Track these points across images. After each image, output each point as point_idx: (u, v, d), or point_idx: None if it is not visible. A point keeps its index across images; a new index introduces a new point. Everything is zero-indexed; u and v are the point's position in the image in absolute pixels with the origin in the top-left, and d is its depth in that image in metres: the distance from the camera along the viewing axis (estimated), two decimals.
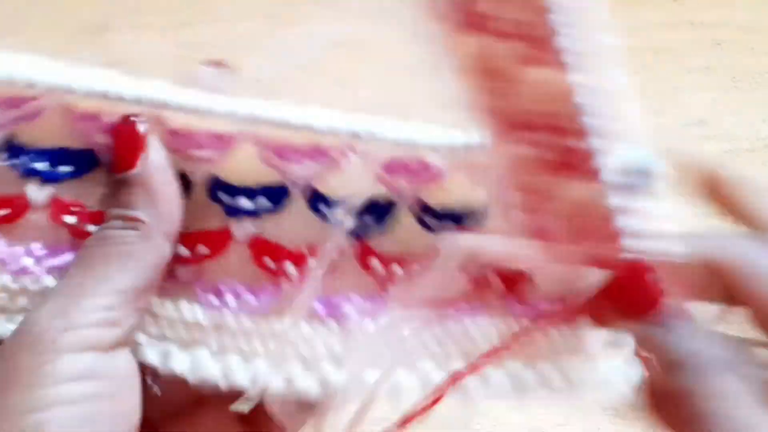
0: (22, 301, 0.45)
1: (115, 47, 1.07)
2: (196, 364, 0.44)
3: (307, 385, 0.44)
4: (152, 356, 0.44)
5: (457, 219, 0.46)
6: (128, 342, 0.43)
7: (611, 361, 0.44)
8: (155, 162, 0.44)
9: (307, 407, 0.44)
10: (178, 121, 0.45)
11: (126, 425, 0.42)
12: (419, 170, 0.45)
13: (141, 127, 0.44)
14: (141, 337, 0.44)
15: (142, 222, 0.43)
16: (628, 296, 0.39)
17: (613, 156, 0.40)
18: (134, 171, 0.44)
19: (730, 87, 1.10)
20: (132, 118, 0.44)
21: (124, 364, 0.42)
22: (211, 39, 1.10)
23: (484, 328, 0.45)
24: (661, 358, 0.40)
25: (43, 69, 0.44)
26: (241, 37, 1.14)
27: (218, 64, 0.48)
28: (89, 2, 1.15)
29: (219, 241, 0.46)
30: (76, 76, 0.44)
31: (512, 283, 0.45)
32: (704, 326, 0.39)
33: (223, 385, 0.44)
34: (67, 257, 0.45)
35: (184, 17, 1.17)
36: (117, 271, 0.42)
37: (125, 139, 0.44)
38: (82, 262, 0.43)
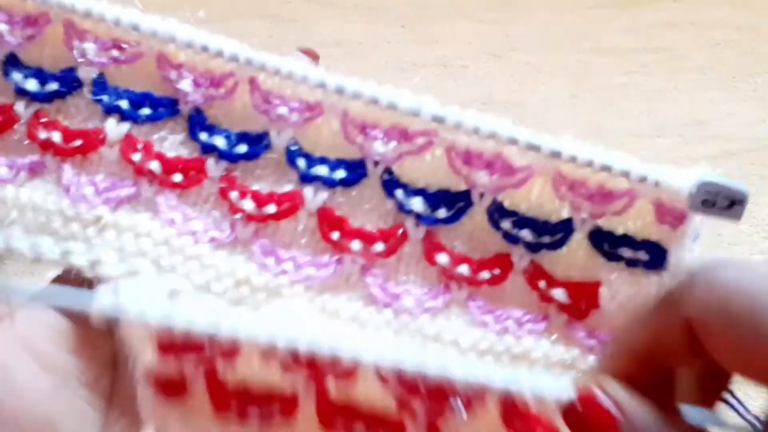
0: (74, 226, 0.44)
1: None
2: None
3: None
4: None
5: (536, 228, 0.44)
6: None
7: None
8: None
9: None
10: (269, 84, 0.45)
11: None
12: (502, 169, 0.44)
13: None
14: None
15: None
16: (584, 422, 0.36)
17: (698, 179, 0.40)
18: None
19: (730, 87, 1.11)
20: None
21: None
22: None
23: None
24: None
25: (145, 19, 0.44)
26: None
27: (310, 53, 0.49)
28: None
29: (289, 203, 0.44)
30: (179, 28, 0.44)
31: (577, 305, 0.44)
32: None
33: None
34: (125, 191, 0.44)
35: (181, 16, 1.17)
36: None
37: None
38: None
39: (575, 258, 0.44)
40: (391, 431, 0.39)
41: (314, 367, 0.38)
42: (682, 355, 0.35)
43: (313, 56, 0.48)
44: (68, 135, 0.45)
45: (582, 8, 1.25)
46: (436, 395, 0.38)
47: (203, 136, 0.45)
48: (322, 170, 0.45)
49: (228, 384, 0.39)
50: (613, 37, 1.18)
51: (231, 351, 0.38)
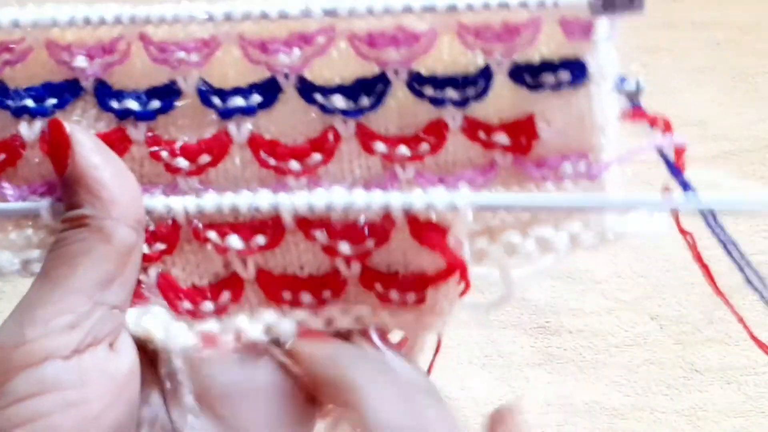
0: (28, 233, 0.45)
1: None
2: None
3: None
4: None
5: (458, 85, 0.45)
6: (95, 341, 0.40)
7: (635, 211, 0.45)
8: (84, 155, 0.42)
9: None
10: (160, 34, 0.44)
11: (103, 426, 0.40)
12: (406, 39, 0.44)
13: (66, 127, 0.43)
14: None
15: (87, 217, 0.41)
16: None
17: None
18: (68, 171, 0.42)
19: (730, 87, 1.10)
20: (57, 120, 0.43)
21: (93, 365, 0.40)
22: None
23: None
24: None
25: (21, 12, 0.44)
26: None
27: None
28: None
29: (218, 146, 0.45)
30: (57, 11, 0.44)
31: (518, 142, 0.45)
32: None
33: None
34: None
35: None
36: (69, 272, 0.40)
37: (52, 143, 0.43)
38: (40, 272, 0.42)
39: (503, 99, 0.45)
40: (332, 286, 0.45)
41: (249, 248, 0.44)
42: None
43: None
44: None
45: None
46: (353, 233, 0.44)
47: (114, 104, 0.45)
48: (238, 101, 0.45)
49: None
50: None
51: None
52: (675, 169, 0.47)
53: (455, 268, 0.43)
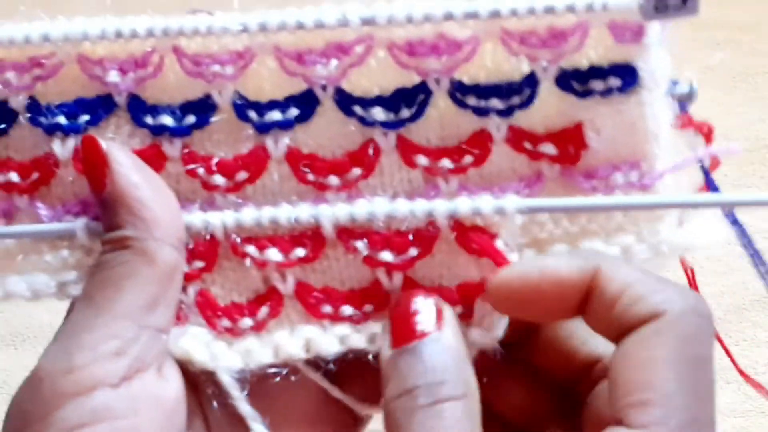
0: (64, 254, 0.44)
1: None
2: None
3: None
4: None
5: (502, 94, 0.43)
6: (143, 366, 0.40)
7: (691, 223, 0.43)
8: (124, 174, 0.41)
9: None
10: (194, 47, 0.43)
11: None
12: (447, 47, 0.42)
13: (102, 144, 0.42)
14: None
15: (130, 239, 0.40)
16: None
17: None
18: (107, 190, 0.41)
19: (730, 87, 1.09)
20: (91, 137, 0.42)
21: (142, 391, 0.39)
22: None
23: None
24: None
25: (52, 26, 0.43)
26: None
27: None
28: None
29: (256, 162, 0.43)
30: (87, 24, 0.43)
31: (566, 152, 0.43)
32: None
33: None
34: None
35: None
36: (114, 295, 0.39)
37: (87, 161, 0.42)
38: (83, 295, 0.41)
39: (550, 107, 0.43)
40: (374, 299, 0.44)
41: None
42: (566, 308, 0.40)
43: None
44: (23, 170, 0.44)
45: None
46: (395, 242, 0.42)
47: (149, 119, 0.44)
48: (275, 115, 0.43)
49: None
50: None
51: None
52: (712, 182, 0.45)
53: None
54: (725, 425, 0.90)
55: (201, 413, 0.43)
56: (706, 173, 0.45)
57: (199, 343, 0.42)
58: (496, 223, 0.42)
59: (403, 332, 0.40)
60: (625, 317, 0.37)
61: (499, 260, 0.41)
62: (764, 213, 0.45)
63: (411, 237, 0.42)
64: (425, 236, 0.42)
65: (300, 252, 0.43)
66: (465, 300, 0.43)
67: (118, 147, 0.42)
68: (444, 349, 0.39)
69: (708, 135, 0.45)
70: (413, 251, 0.43)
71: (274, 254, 0.43)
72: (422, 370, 0.38)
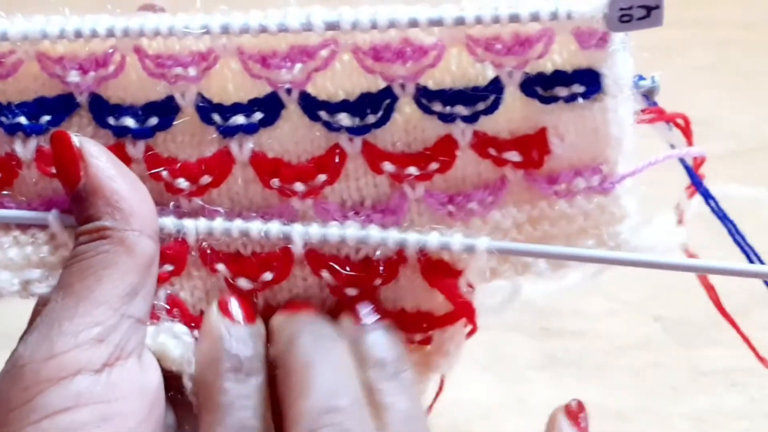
0: (28, 250, 0.43)
1: None
2: None
3: None
4: None
5: (467, 100, 0.43)
6: (123, 354, 0.40)
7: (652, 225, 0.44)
8: (99, 166, 0.41)
9: None
10: (155, 47, 0.42)
11: None
12: (413, 53, 0.42)
13: (74, 139, 0.41)
14: None
15: (108, 229, 0.40)
16: None
17: None
18: (81, 183, 0.41)
19: (735, 86, 1.09)
20: (62, 132, 0.42)
21: (122, 378, 0.39)
22: None
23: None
24: None
25: (9, 24, 0.42)
26: None
27: (152, 7, 0.46)
28: None
29: (220, 166, 0.43)
30: (47, 22, 0.42)
31: (530, 157, 0.43)
32: None
33: None
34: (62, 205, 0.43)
35: None
36: (95, 284, 0.39)
37: (60, 157, 0.41)
38: (62, 284, 0.40)
39: (514, 113, 0.43)
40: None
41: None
42: None
43: (151, 8, 0.46)
44: None
45: None
46: (363, 269, 0.43)
47: (111, 120, 0.43)
48: (239, 119, 0.43)
49: None
50: None
51: None
52: (695, 177, 0.46)
53: (463, 313, 0.43)
54: (730, 428, 0.91)
55: (172, 408, 0.43)
56: (689, 170, 0.46)
57: (176, 341, 0.42)
58: (463, 260, 0.42)
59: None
60: None
61: (458, 303, 0.42)
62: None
63: (381, 267, 0.43)
64: (392, 263, 0.43)
65: (268, 276, 0.43)
66: (424, 327, 0.43)
67: (90, 141, 0.42)
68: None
69: (685, 127, 0.46)
70: (378, 281, 0.43)
71: (244, 283, 0.43)
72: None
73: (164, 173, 0.43)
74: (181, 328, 0.43)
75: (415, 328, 0.43)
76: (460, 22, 0.41)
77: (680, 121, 0.45)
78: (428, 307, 0.43)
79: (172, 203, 0.44)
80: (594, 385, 0.90)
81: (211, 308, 0.43)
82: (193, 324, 0.43)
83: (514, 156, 0.43)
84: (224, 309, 0.43)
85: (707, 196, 0.45)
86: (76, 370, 0.38)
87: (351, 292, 0.43)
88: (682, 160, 0.45)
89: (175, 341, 0.42)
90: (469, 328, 0.43)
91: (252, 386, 0.41)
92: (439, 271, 0.42)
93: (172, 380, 0.42)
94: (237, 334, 0.42)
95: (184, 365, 0.42)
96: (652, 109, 0.45)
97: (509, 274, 0.44)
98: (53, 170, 0.43)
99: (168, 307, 0.43)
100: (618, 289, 0.93)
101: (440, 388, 0.46)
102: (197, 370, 0.42)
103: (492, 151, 0.43)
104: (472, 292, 0.43)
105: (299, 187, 0.43)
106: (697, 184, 0.45)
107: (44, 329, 0.39)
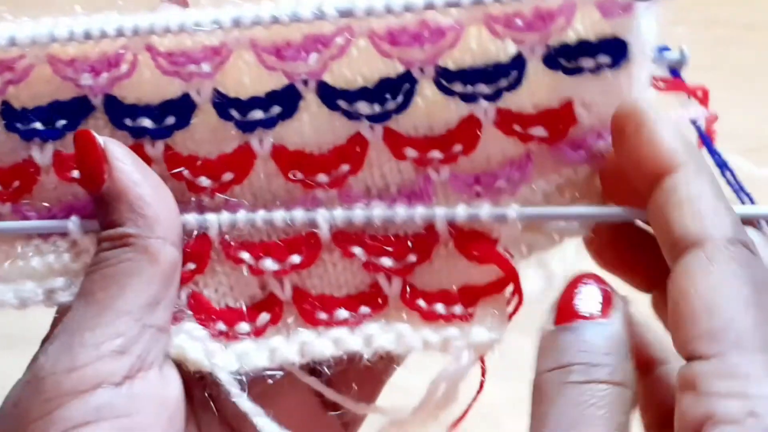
0: (50, 258, 0.43)
1: None
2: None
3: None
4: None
5: (489, 78, 0.41)
6: (145, 365, 0.39)
7: None
8: (124, 170, 0.40)
9: None
10: (167, 44, 0.42)
11: None
12: (430, 35, 0.41)
13: (98, 140, 0.41)
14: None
15: (132, 236, 0.40)
16: None
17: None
18: (105, 187, 0.40)
19: (735, 85, 1.05)
20: (87, 131, 0.41)
21: (143, 391, 0.39)
22: None
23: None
24: None
25: (18, 29, 0.42)
26: None
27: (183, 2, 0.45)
28: None
29: (241, 161, 0.43)
30: (55, 26, 0.41)
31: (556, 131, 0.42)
32: None
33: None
34: (83, 210, 0.43)
35: None
36: (117, 294, 0.39)
37: (84, 158, 0.41)
38: (82, 292, 0.40)
39: (539, 87, 0.42)
40: (372, 302, 0.43)
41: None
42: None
43: (182, 2, 0.44)
44: (4, 178, 0.43)
45: None
46: (394, 247, 0.42)
47: (128, 121, 0.43)
48: (257, 114, 0.42)
49: None
50: None
51: None
52: (708, 141, 0.45)
53: (509, 277, 0.42)
54: None
55: (193, 419, 0.43)
56: (701, 132, 0.45)
57: (195, 342, 0.42)
58: (495, 229, 0.41)
59: (568, 311, 0.39)
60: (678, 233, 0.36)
61: (502, 265, 0.41)
62: None
63: (410, 243, 0.42)
64: (424, 242, 0.42)
65: (296, 258, 0.43)
66: (466, 300, 0.42)
67: (115, 142, 0.41)
68: (608, 335, 0.38)
69: (704, 99, 0.45)
70: (412, 257, 0.42)
71: (269, 263, 0.43)
72: (581, 349, 0.37)
73: (185, 172, 0.43)
74: (199, 330, 0.43)
75: (456, 300, 0.42)
76: (478, 1, 0.39)
77: (699, 93, 0.44)
78: (469, 281, 0.42)
79: (193, 200, 0.43)
80: None
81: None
82: (215, 317, 0.43)
83: (539, 131, 0.42)
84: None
85: (718, 157, 0.45)
86: (98, 383, 0.38)
87: (386, 262, 0.43)
88: (694, 123, 0.45)
89: (193, 342, 0.42)
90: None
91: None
92: (474, 240, 0.42)
93: (193, 388, 0.43)
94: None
95: (203, 366, 0.42)
96: (672, 80, 0.44)
97: (546, 245, 0.43)
98: (72, 175, 0.42)
99: (190, 309, 0.43)
100: (618, 287, 0.94)
101: (480, 388, 0.46)
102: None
103: (517, 128, 0.42)
104: (511, 259, 0.42)
105: (322, 178, 0.42)
106: (708, 147, 0.45)
107: (66, 339, 0.39)
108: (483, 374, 0.44)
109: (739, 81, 1.11)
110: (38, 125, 0.43)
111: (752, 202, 0.45)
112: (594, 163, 0.43)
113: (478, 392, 0.45)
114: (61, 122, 0.43)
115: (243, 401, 0.42)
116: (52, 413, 0.37)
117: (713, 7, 1.19)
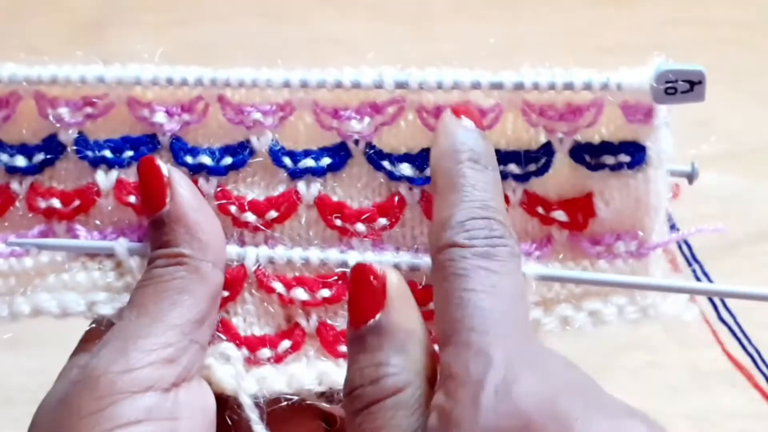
0: (95, 276, 0.47)
1: (110, 46, 1.12)
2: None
3: None
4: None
5: (519, 160, 0.46)
6: (189, 376, 0.43)
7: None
8: (185, 196, 0.45)
9: None
10: (238, 97, 0.47)
11: None
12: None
13: (163, 166, 0.45)
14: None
15: (186, 256, 0.44)
16: None
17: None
18: (165, 209, 0.44)
19: (734, 86, 1.09)
20: (152, 157, 0.46)
21: (187, 399, 0.42)
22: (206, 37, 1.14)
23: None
24: None
25: (107, 70, 0.46)
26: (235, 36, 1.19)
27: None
28: (83, 1, 1.19)
29: (286, 203, 0.47)
30: (141, 70, 0.46)
31: (575, 219, 0.47)
32: None
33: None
34: (132, 234, 0.47)
35: (178, 15, 1.20)
36: (170, 308, 0.42)
37: (147, 180, 0.45)
38: (135, 303, 0.43)
39: (563, 177, 0.47)
40: None
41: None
42: None
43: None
44: (65, 198, 0.47)
45: (585, 6, 1.25)
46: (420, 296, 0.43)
47: (188, 159, 0.47)
48: (308, 162, 0.47)
49: None
50: (617, 34, 1.18)
51: None
52: (697, 261, 0.49)
53: None
54: (730, 427, 0.90)
55: None
56: (691, 256, 0.49)
57: (225, 364, 0.45)
58: None
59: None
60: None
61: None
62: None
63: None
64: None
65: (325, 292, 0.46)
66: None
67: (177, 170, 0.46)
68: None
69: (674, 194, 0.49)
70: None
71: (300, 293, 0.46)
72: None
73: (232, 207, 0.47)
74: (234, 350, 0.46)
75: None
76: (519, 87, 0.45)
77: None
78: None
79: (236, 234, 0.47)
80: None
81: (445, 113, 0.44)
82: (238, 343, 0.46)
83: (561, 216, 0.46)
84: (457, 114, 0.44)
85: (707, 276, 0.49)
86: (148, 386, 0.40)
87: None
88: (680, 247, 0.49)
89: (221, 364, 0.45)
90: None
91: (489, 176, 0.42)
92: None
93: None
94: (471, 134, 0.43)
95: (226, 387, 0.45)
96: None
97: (552, 326, 0.47)
98: (129, 200, 0.46)
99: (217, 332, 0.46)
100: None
101: None
102: (435, 161, 0.43)
103: (540, 210, 0.46)
104: None
105: (360, 227, 0.46)
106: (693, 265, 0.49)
107: (119, 344, 0.41)
108: None
109: (738, 81, 1.10)
110: (107, 153, 0.47)
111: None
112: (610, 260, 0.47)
113: None
114: (129, 153, 0.47)
115: (259, 428, 0.44)
116: (105, 410, 0.39)
117: (713, 7, 1.20)
